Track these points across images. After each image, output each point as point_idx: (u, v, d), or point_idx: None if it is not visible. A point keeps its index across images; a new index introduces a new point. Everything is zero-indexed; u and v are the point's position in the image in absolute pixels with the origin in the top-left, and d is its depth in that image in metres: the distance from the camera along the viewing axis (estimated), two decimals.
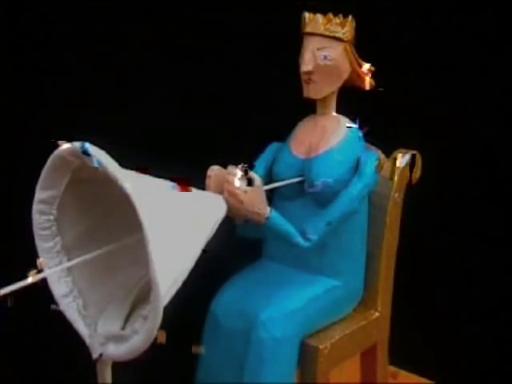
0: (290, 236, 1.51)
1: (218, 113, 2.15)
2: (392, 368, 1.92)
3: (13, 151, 1.90)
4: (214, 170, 1.48)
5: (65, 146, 1.21)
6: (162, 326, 1.17)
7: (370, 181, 1.55)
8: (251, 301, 1.55)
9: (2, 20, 1.88)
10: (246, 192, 1.43)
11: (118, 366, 1.26)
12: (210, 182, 1.47)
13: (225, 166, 1.51)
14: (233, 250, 1.83)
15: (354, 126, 1.60)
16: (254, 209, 1.45)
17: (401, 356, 1.91)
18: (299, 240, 1.51)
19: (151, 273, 1.12)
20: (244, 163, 1.48)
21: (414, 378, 2.02)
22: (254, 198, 1.44)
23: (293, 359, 1.52)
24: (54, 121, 1.88)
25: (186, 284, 1.23)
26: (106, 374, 1.27)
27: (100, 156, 1.17)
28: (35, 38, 1.97)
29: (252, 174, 1.46)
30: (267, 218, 1.47)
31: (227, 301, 1.58)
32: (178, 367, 1.76)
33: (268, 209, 1.47)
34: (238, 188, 1.42)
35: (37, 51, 1.96)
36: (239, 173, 1.44)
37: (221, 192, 1.44)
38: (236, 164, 1.53)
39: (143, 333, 1.18)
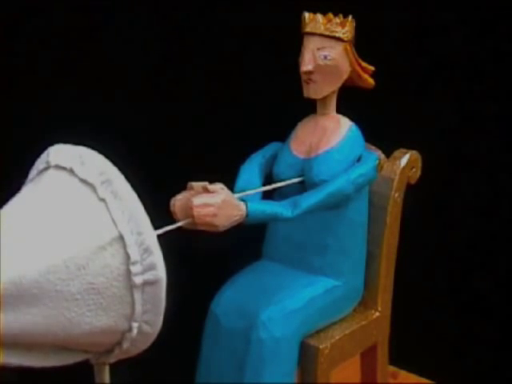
0: (276, 216, 1.46)
1: (217, 113, 2.15)
2: (392, 368, 1.92)
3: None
4: (176, 205, 1.38)
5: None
6: (162, 326, 1.17)
7: (369, 172, 1.54)
8: (251, 300, 1.55)
9: None
10: (215, 215, 1.35)
11: (117, 366, 1.25)
12: (177, 217, 1.38)
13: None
14: (233, 250, 1.83)
15: (355, 125, 1.60)
16: (230, 220, 1.38)
17: (401, 356, 1.91)
18: (286, 214, 1.46)
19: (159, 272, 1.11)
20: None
21: (414, 377, 2.02)
22: (225, 213, 1.36)
23: (293, 359, 1.52)
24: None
25: (186, 284, 1.22)
26: (104, 375, 1.26)
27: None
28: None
29: (211, 187, 1.37)
30: (247, 216, 1.41)
31: (228, 300, 1.57)
32: (178, 367, 1.76)
33: (243, 207, 1.40)
34: (207, 215, 1.34)
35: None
36: (199, 199, 1.35)
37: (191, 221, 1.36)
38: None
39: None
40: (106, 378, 1.25)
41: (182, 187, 1.41)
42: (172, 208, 1.39)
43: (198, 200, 1.34)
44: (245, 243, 1.68)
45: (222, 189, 1.39)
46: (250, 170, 1.62)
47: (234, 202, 1.39)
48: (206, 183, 1.38)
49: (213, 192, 1.36)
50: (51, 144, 1.16)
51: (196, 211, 1.34)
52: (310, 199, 1.49)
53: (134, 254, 1.09)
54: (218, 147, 2.12)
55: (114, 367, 1.26)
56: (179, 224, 1.34)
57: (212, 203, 1.34)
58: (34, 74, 1.98)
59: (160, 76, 2.13)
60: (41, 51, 2.00)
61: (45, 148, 1.17)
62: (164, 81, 2.13)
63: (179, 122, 2.12)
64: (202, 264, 2.00)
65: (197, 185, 1.38)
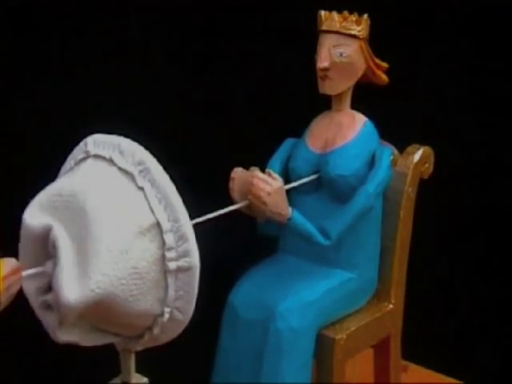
0: (311, 235, 1.55)
1: (233, 110, 2.17)
2: (403, 361, 1.93)
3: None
4: (238, 172, 1.54)
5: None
6: None
7: (385, 177, 1.58)
8: (269, 292, 1.57)
9: None
10: (269, 194, 1.48)
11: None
12: (233, 184, 1.54)
13: (243, 165, 1.54)
14: (249, 245, 1.85)
15: (369, 121, 1.63)
16: (277, 210, 1.50)
17: (413, 349, 1.92)
18: (320, 239, 1.55)
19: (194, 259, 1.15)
20: (261, 164, 1.51)
21: (426, 371, 2.04)
22: (277, 199, 1.49)
23: (310, 349, 1.55)
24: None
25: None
26: (130, 363, 1.28)
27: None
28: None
29: (274, 175, 1.51)
30: (289, 219, 1.52)
31: (245, 292, 1.60)
32: (183, 365, 1.77)
33: (290, 209, 1.52)
34: (262, 190, 1.48)
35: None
36: (262, 175, 1.50)
37: (244, 194, 1.50)
38: (256, 164, 1.55)
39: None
40: (132, 366, 1.27)
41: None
42: (233, 174, 1.54)
43: (260, 174, 1.50)
44: (259, 238, 1.71)
45: (282, 182, 1.52)
46: None
47: (285, 199, 1.52)
48: (270, 170, 1.53)
49: (274, 179, 1.50)
50: (87, 135, 1.20)
51: (255, 181, 1.49)
52: (337, 227, 1.55)
53: (170, 240, 1.14)
54: (233, 145, 2.13)
55: (118, 368, 1.28)
56: (231, 208, 1.46)
57: (271, 183, 1.49)
58: (72, 64, 2.00)
59: (171, 75, 2.14)
60: (84, 44, 2.02)
61: (80, 138, 1.20)
62: (175, 79, 2.15)
63: (193, 122, 2.14)
64: (217, 261, 2.02)
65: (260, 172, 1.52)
